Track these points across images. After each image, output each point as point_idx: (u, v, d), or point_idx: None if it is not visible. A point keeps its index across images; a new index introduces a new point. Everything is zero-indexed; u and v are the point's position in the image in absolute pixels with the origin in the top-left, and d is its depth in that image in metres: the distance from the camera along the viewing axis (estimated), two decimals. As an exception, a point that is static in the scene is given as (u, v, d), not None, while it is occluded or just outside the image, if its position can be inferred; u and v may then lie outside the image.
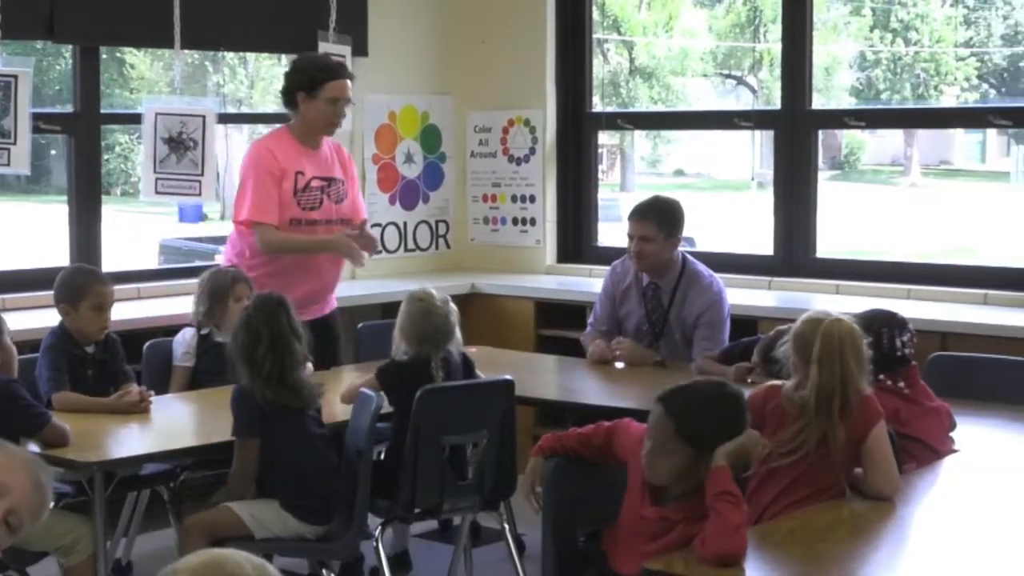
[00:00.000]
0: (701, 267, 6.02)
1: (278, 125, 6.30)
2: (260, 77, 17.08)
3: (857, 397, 3.91)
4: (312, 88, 5.96)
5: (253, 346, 4.65)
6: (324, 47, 7.21)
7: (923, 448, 4.37)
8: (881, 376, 4.29)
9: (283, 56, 8.05)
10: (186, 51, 7.26)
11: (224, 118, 13.40)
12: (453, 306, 5.10)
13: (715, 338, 5.84)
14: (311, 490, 4.67)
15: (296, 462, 4.65)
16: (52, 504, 3.27)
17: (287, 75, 6.12)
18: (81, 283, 5.21)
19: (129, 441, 4.87)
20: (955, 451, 4.46)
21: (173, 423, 5.12)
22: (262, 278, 5.78)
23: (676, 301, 5.91)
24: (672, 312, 5.91)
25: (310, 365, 4.96)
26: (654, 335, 5.96)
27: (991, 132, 15.11)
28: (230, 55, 12.40)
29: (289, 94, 6.03)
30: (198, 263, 9.75)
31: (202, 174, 6.64)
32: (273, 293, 4.92)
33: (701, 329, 5.85)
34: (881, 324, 4.42)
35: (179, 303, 6.29)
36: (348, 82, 6.06)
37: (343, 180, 6.16)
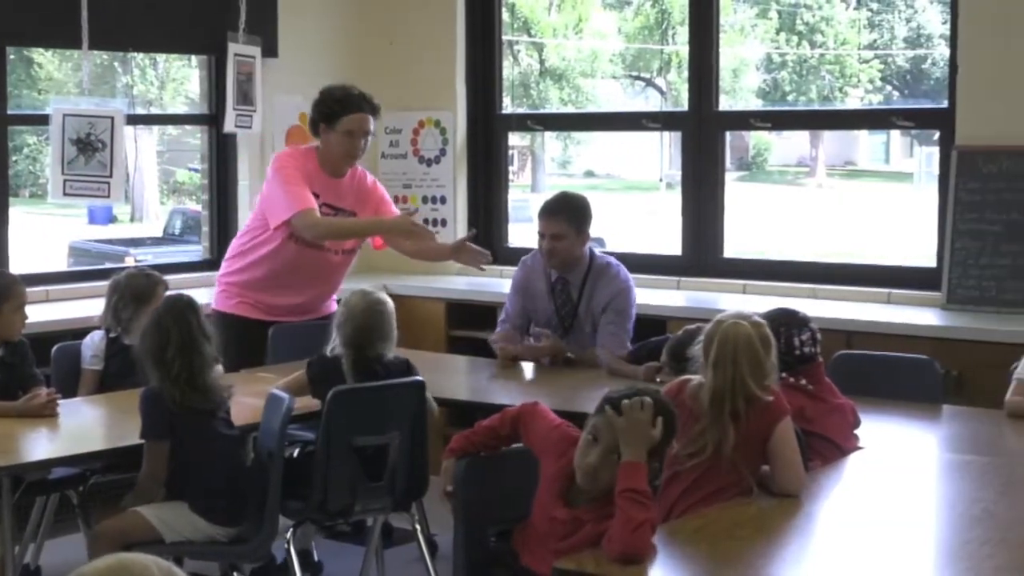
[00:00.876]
0: (609, 258, 6.08)
1: (187, 127, 6.30)
2: (170, 78, 16.96)
3: (753, 401, 3.92)
4: (331, 120, 6.04)
5: (162, 348, 4.63)
6: (234, 48, 7.19)
7: (828, 445, 4.42)
8: (784, 375, 4.34)
9: (193, 57, 8.01)
10: (95, 52, 7.20)
11: (133, 119, 13.28)
12: (390, 306, 5.11)
13: (621, 324, 5.90)
14: (220, 492, 4.66)
15: (205, 464, 4.63)
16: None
17: (313, 104, 6.17)
18: (4, 284, 5.19)
19: (37, 445, 4.81)
20: (860, 448, 4.52)
21: (82, 426, 5.08)
22: (260, 283, 6.07)
23: (585, 294, 5.96)
24: (581, 306, 5.97)
25: (219, 367, 4.95)
26: (564, 329, 6.00)
27: (895, 133, 15.32)
28: (140, 56, 12.28)
29: (313, 123, 6.13)
30: (108, 265, 9.66)
31: (111, 175, 6.60)
32: (183, 295, 4.91)
33: (608, 315, 5.90)
34: (780, 324, 4.46)
35: (88, 306, 6.25)
36: (368, 116, 6.07)
37: (353, 213, 6.19)
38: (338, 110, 6.03)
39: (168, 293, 5.49)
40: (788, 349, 4.48)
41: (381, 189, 6.38)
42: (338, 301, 5.51)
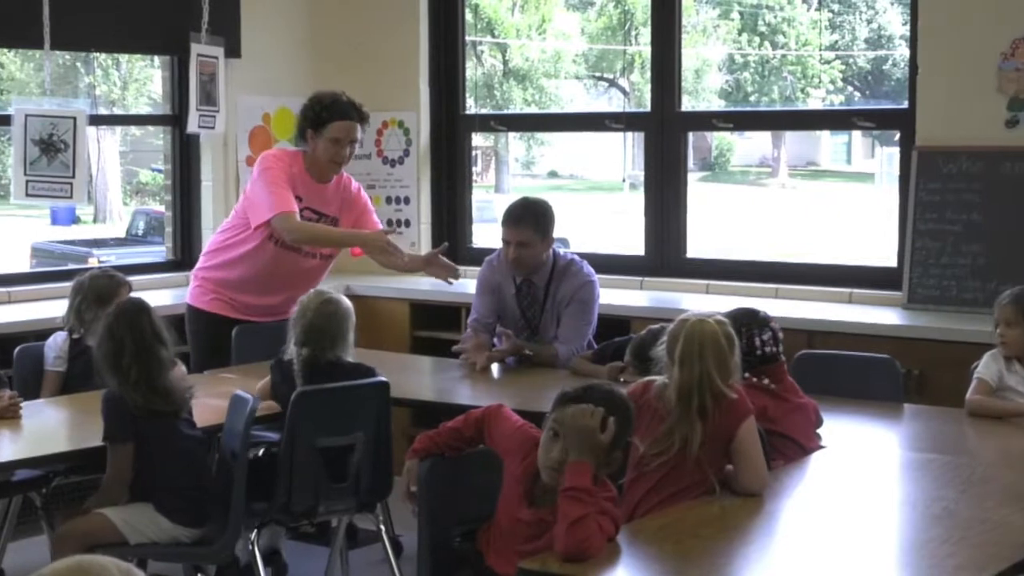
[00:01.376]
0: (572, 256, 6.11)
1: (151, 127, 6.31)
2: (133, 78, 16.89)
3: (719, 398, 3.94)
4: (318, 125, 6.05)
5: (118, 355, 4.60)
6: (197, 48, 7.18)
7: (791, 445, 4.45)
8: (747, 375, 4.37)
9: (156, 57, 7.99)
10: (57, 52, 7.17)
11: (96, 120, 13.24)
12: (345, 307, 5.11)
13: (583, 316, 5.94)
14: (184, 492, 4.65)
15: (168, 465, 4.62)
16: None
17: (301, 109, 6.18)
18: None
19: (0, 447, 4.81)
20: (822, 447, 4.54)
21: (45, 428, 5.06)
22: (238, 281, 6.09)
23: (551, 294, 5.98)
24: (547, 304, 5.99)
25: (182, 367, 4.94)
26: (530, 331, 6.02)
27: (856, 134, 15.40)
28: (103, 56, 12.24)
29: (300, 129, 6.13)
30: (71, 266, 9.63)
31: (73, 176, 6.58)
32: (134, 299, 4.89)
33: (571, 307, 5.93)
34: (741, 324, 4.48)
35: (51, 307, 6.23)
36: (355, 124, 6.09)
37: (336, 219, 6.21)
38: (326, 116, 6.04)
39: (119, 300, 5.47)
40: (750, 349, 4.50)
41: (365, 198, 6.40)
42: None
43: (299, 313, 5.08)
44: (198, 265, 6.36)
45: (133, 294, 5.43)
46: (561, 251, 6.11)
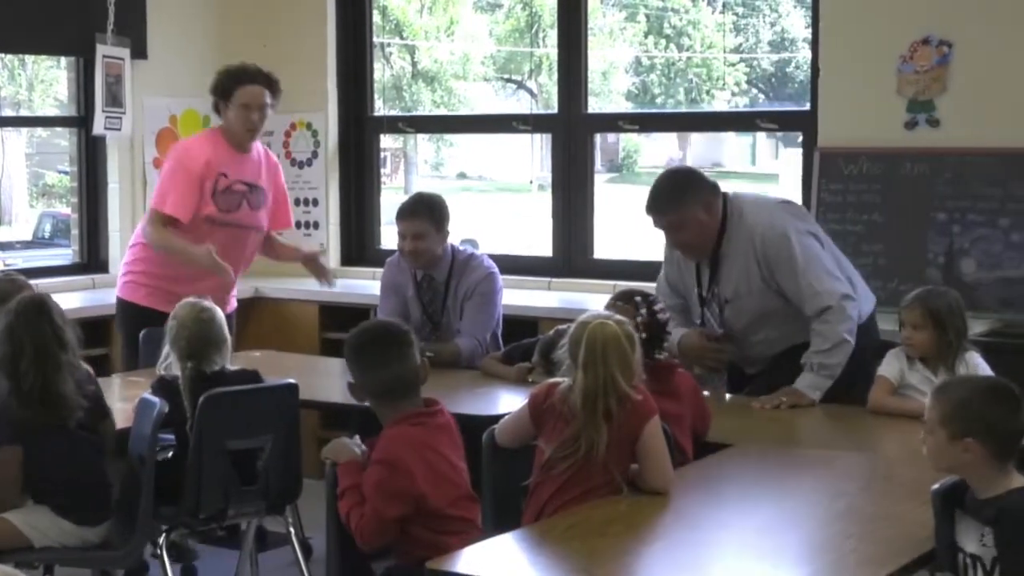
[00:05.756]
0: (471, 250, 6.17)
1: (58, 128, 6.29)
2: (39, 79, 16.67)
3: (624, 400, 3.94)
4: (226, 95, 6.15)
5: (15, 359, 4.52)
6: (102, 50, 7.13)
7: (696, 442, 4.51)
8: (657, 354, 4.45)
9: (62, 58, 7.92)
10: (-41, 53, 7.10)
11: (1, 121, 13.12)
12: (220, 314, 5.03)
13: (485, 309, 5.98)
14: (81, 492, 4.60)
15: (60, 466, 4.57)
16: None
17: (212, 84, 6.25)
18: None
19: None
20: (728, 444, 4.59)
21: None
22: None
23: (452, 287, 6.02)
24: (449, 298, 6.02)
25: (84, 368, 4.82)
26: (432, 326, 6.04)
27: (760, 135, 15.53)
28: (8, 57, 12.09)
29: (214, 103, 6.24)
30: (-23, 269, 9.48)
31: (-22, 179, 6.51)
32: (35, 297, 4.79)
33: (473, 299, 5.97)
34: (634, 295, 4.64)
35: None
36: (263, 89, 6.17)
37: (265, 189, 6.27)
38: (232, 84, 6.16)
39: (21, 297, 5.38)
40: (651, 315, 4.56)
41: (284, 187, 6.54)
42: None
43: (177, 328, 4.93)
44: (125, 259, 6.34)
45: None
46: (456, 245, 6.15)
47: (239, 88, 6.14)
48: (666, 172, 5.63)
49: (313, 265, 6.46)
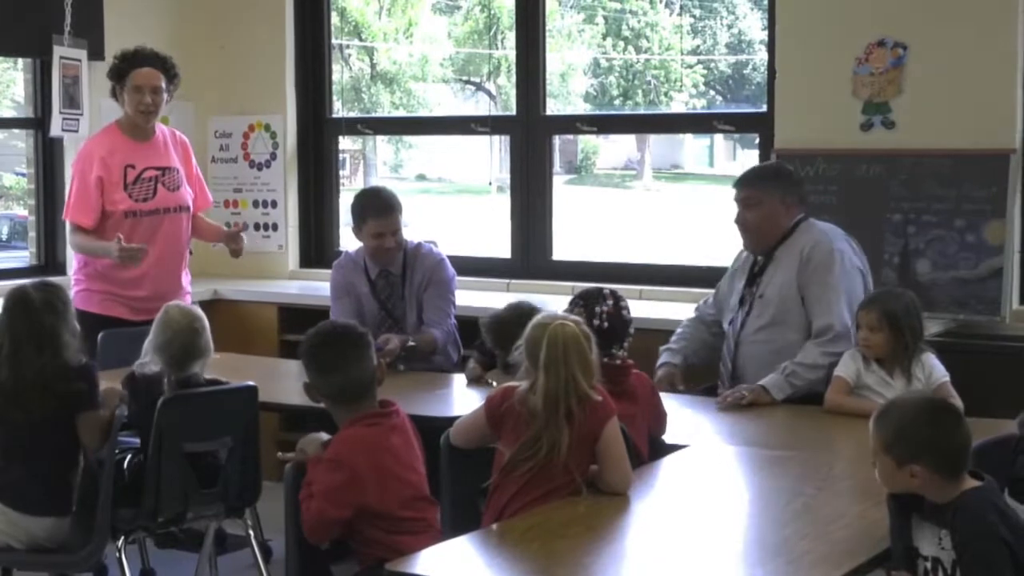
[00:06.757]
0: (419, 241, 6.23)
1: (15, 130, 6.30)
2: (-5, 81, 16.58)
3: (584, 400, 3.96)
4: (120, 78, 6.21)
5: None
6: (59, 51, 7.10)
7: (654, 443, 4.53)
8: (616, 351, 4.49)
9: (19, 60, 7.88)
10: (-87, 55, 7.05)
11: (-46, 123, 13.02)
12: (204, 323, 5.00)
13: (444, 296, 6.09)
14: (30, 482, 4.60)
15: (9, 460, 4.60)
16: None
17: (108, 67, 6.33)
18: None
19: None
20: (685, 445, 4.62)
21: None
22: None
23: (407, 277, 6.07)
24: (407, 291, 6.05)
25: (83, 358, 4.78)
26: (392, 321, 6.06)
27: (718, 137, 15.57)
28: (-39, 58, 12.05)
29: (111, 90, 6.29)
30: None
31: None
32: (14, 291, 4.76)
33: (430, 289, 6.06)
34: (596, 294, 4.66)
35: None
36: (156, 71, 6.21)
37: (179, 168, 6.34)
38: (126, 67, 6.22)
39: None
40: (617, 311, 4.58)
41: (196, 166, 6.59)
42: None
43: (172, 335, 4.89)
44: (75, 267, 6.34)
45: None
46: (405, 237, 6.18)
47: (132, 71, 6.19)
48: (774, 161, 6.33)
49: (233, 241, 6.44)
